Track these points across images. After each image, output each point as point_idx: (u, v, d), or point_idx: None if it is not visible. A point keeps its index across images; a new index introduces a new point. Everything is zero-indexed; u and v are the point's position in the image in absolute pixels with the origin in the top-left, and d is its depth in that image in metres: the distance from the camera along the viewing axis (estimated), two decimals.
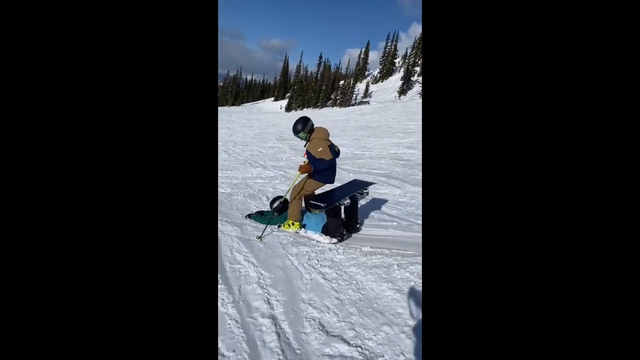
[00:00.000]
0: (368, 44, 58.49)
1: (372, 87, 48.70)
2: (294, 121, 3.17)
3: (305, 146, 3.19)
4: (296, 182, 3.26)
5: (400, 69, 52.28)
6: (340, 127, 14.43)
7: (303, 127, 3.11)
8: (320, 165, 3.02)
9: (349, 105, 40.47)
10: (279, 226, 3.27)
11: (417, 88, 37.34)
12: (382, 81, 51.77)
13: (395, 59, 53.38)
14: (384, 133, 11.61)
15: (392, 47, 52.83)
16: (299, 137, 3.17)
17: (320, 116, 23.92)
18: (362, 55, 55.30)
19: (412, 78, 40.40)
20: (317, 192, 3.29)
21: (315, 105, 49.39)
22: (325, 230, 3.02)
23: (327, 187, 3.38)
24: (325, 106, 47.74)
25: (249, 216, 3.56)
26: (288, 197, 3.40)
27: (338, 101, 43.99)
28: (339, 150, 3.29)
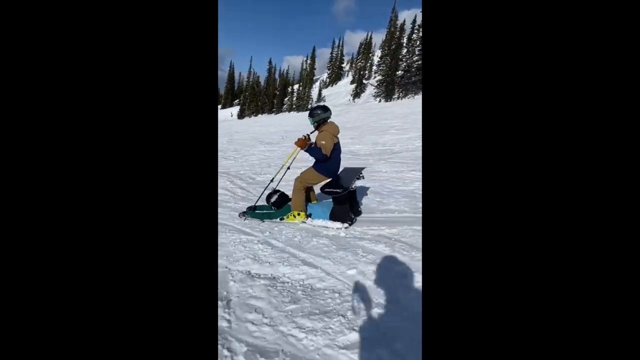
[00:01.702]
0: (314, 50, 60.13)
1: (324, 92, 50.55)
2: (316, 106, 3.27)
3: (311, 132, 3.33)
4: (291, 159, 3.48)
5: (348, 73, 55.03)
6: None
7: (317, 115, 3.16)
8: (317, 155, 3.06)
9: (306, 110, 41.63)
10: (281, 219, 3.29)
11: (370, 90, 39.93)
12: (332, 85, 53.96)
13: (342, 63, 55.98)
14: (377, 131, 12.79)
15: (339, 52, 55.46)
16: (310, 120, 3.23)
17: (286, 120, 24.43)
18: (308, 61, 56.94)
19: (363, 81, 42.99)
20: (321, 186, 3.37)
21: (270, 111, 49.72)
22: (333, 217, 3.09)
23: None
24: (281, 111, 48.37)
25: (244, 214, 3.44)
26: (280, 176, 3.56)
27: (294, 106, 44.97)
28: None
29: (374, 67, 46.71)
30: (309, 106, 43.38)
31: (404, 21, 38.37)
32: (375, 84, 37.71)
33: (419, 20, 34.37)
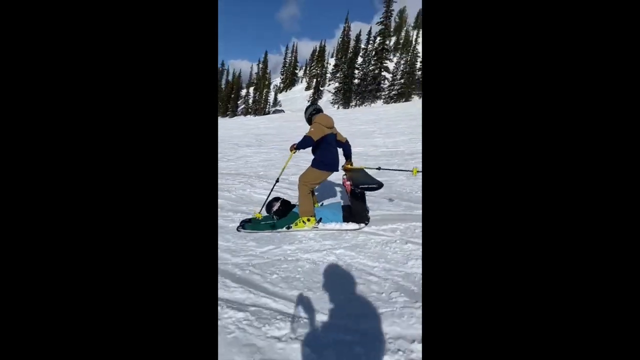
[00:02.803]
0: (266, 55, 59.87)
1: (279, 97, 50.26)
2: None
3: None
4: (286, 165, 3.36)
5: (302, 79, 55.56)
6: (295, 133, 14.45)
7: (306, 111, 3.23)
8: (307, 143, 2.90)
9: (264, 114, 40.99)
10: (288, 227, 2.94)
11: (328, 97, 40.72)
12: (286, 91, 53.96)
13: (297, 69, 56.37)
14: (362, 135, 13.10)
15: (292, 58, 55.81)
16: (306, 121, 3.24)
17: (246, 125, 23.52)
18: (260, 65, 56.33)
19: (321, 87, 43.71)
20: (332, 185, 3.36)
21: (224, 114, 47.83)
22: (349, 217, 2.92)
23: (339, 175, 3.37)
24: (236, 115, 46.82)
25: (242, 228, 2.99)
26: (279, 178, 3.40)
27: (250, 110, 43.91)
28: (347, 141, 3.27)
29: (329, 75, 47.86)
30: (267, 110, 42.78)
31: (360, 31, 40.10)
32: (333, 91, 38.58)
33: (374, 32, 36.12)
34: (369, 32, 37.32)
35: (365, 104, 33.55)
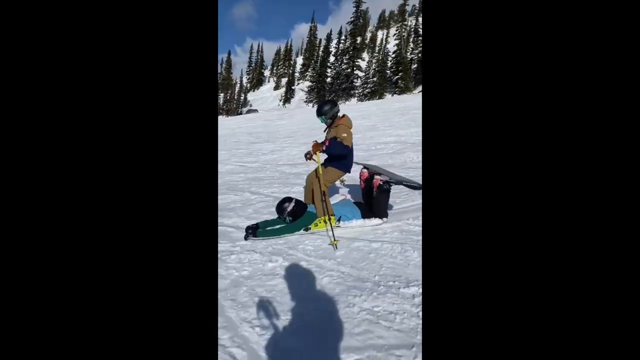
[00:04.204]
0: (229, 54, 58.42)
1: (248, 96, 49.36)
2: (319, 104, 2.97)
3: (325, 131, 3.02)
4: (319, 163, 2.89)
5: (269, 79, 55.00)
6: (284, 134, 13.26)
7: (328, 111, 2.87)
8: (340, 150, 2.73)
9: (238, 114, 40.07)
10: (306, 229, 2.72)
11: (300, 95, 40.83)
12: (254, 91, 53.07)
13: (264, 69, 55.68)
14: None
15: (258, 57, 55.04)
16: (320, 120, 2.93)
17: (223, 124, 22.62)
18: (224, 66, 54.87)
19: (292, 87, 43.66)
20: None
21: None
22: (368, 214, 2.83)
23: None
24: None
25: (254, 235, 2.64)
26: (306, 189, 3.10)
27: (222, 111, 42.64)
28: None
29: (297, 74, 47.95)
30: (240, 110, 41.82)
31: (331, 30, 40.73)
32: (307, 90, 38.81)
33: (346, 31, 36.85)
34: (339, 32, 38.06)
35: (340, 102, 34.22)
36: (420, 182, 2.69)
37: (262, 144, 10.52)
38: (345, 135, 2.74)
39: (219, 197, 4.09)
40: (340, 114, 2.92)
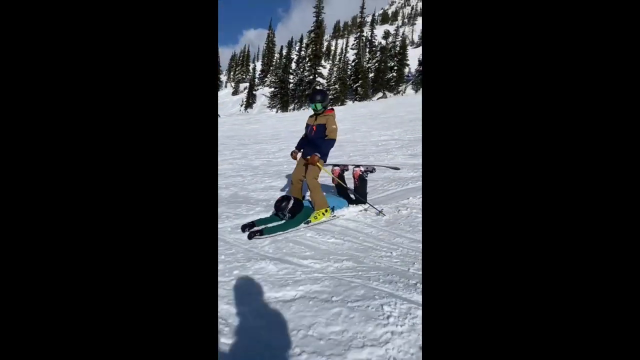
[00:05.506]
0: None
1: None
2: (314, 91, 3.29)
3: (314, 116, 3.24)
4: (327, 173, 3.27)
5: (226, 84, 53.73)
6: (261, 137, 12.80)
7: (325, 99, 3.22)
8: (332, 145, 3.09)
9: None
10: (307, 223, 2.97)
11: (262, 100, 40.68)
12: None
13: (220, 74, 54.34)
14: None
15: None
16: (314, 106, 3.16)
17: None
18: None
19: (254, 92, 43.27)
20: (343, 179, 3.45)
21: None
22: (354, 200, 3.25)
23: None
24: None
25: (260, 234, 2.74)
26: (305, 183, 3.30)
27: None
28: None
29: (257, 80, 47.70)
30: None
31: (292, 38, 41.39)
32: (269, 95, 38.85)
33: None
34: (301, 39, 38.88)
35: (303, 108, 34.84)
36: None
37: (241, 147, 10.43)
38: (334, 127, 3.13)
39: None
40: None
